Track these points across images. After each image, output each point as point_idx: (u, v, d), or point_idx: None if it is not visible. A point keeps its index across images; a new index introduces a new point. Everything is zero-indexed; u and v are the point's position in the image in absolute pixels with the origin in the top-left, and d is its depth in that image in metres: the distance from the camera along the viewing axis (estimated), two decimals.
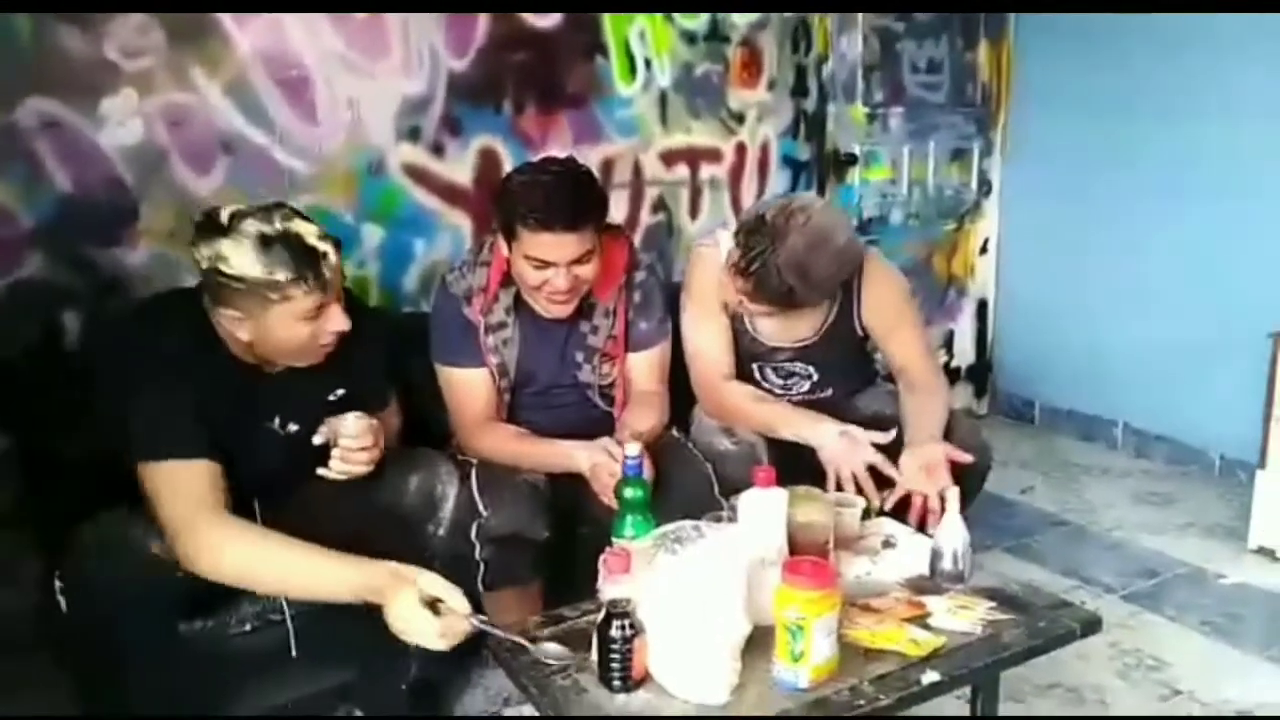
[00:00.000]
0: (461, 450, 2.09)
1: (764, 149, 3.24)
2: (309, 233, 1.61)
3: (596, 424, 2.11)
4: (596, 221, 1.98)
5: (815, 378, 2.31)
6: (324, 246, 1.62)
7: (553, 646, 1.45)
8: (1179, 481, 3.32)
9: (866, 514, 1.89)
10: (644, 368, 2.20)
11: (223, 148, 2.32)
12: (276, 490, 1.68)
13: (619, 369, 2.19)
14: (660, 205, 3.06)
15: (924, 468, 2.00)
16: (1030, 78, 3.74)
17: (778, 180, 3.28)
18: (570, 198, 1.93)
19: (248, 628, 1.77)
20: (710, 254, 2.22)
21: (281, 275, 1.57)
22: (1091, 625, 1.61)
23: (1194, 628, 2.40)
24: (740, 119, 3.17)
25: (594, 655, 1.41)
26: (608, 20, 2.84)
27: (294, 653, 1.78)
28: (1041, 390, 3.89)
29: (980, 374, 4.04)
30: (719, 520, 1.60)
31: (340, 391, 1.83)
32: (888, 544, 1.82)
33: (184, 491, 1.56)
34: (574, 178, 1.98)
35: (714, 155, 3.14)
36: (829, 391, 2.33)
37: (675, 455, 2.07)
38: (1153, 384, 3.46)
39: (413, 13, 2.52)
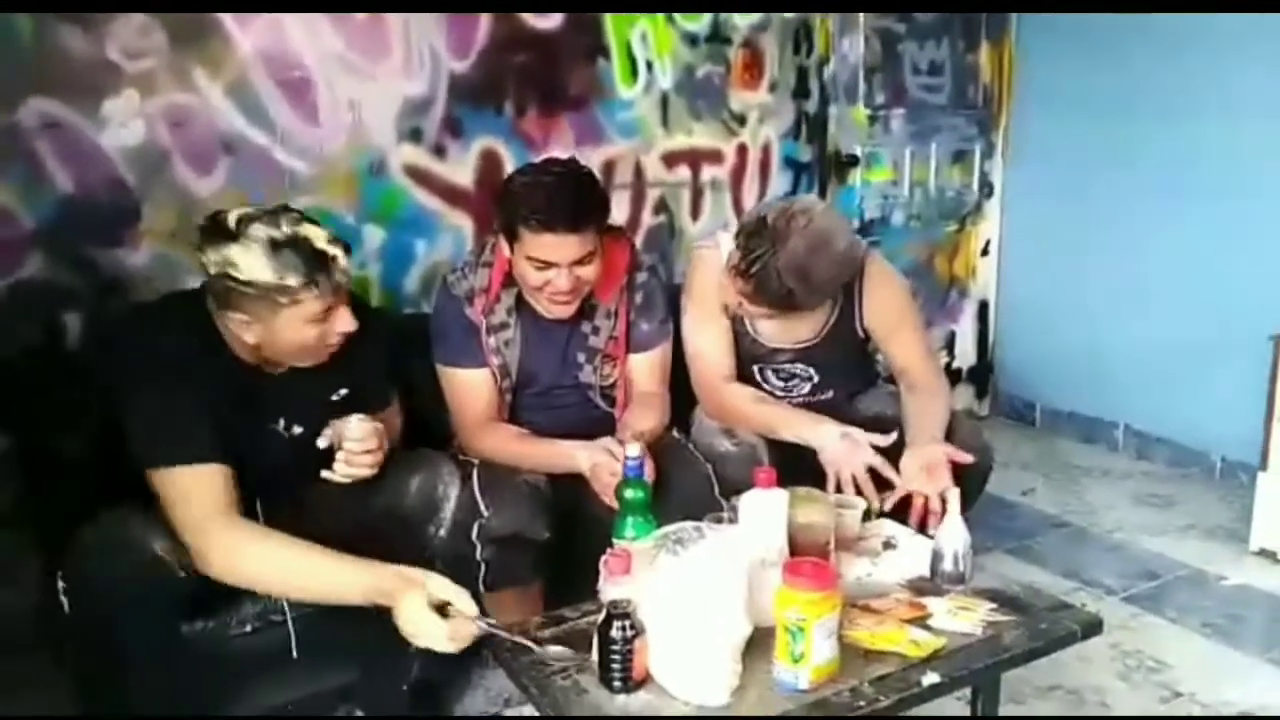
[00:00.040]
0: (463, 451, 2.09)
1: (765, 150, 3.24)
2: (318, 236, 1.61)
3: (597, 425, 2.11)
4: (598, 222, 1.98)
5: (816, 380, 2.31)
6: (334, 250, 1.62)
7: (558, 649, 1.45)
8: (1180, 483, 3.32)
9: (867, 515, 1.89)
10: (645, 369, 2.21)
11: (224, 149, 2.32)
12: (280, 491, 1.68)
13: (620, 370, 2.19)
14: (662, 207, 3.06)
15: (925, 469, 2.00)
16: (1032, 79, 3.74)
17: (779, 182, 3.28)
18: (572, 199, 1.93)
19: (248, 629, 1.77)
20: (711, 255, 2.22)
21: (293, 280, 1.57)
22: (1092, 627, 1.60)
23: (1195, 629, 2.40)
24: (742, 120, 3.17)
25: (594, 656, 1.41)
26: (609, 22, 2.84)
27: (295, 654, 1.78)
28: (1042, 392, 3.89)
29: (981, 375, 4.04)
30: (720, 521, 1.59)
31: (343, 391, 1.83)
32: (888, 545, 1.82)
33: (196, 496, 1.56)
34: (576, 179, 1.98)
35: (715, 157, 3.14)
36: (830, 393, 2.33)
37: (676, 456, 2.07)
38: (1154, 386, 3.46)
39: (414, 13, 2.52)
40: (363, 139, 2.51)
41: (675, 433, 2.23)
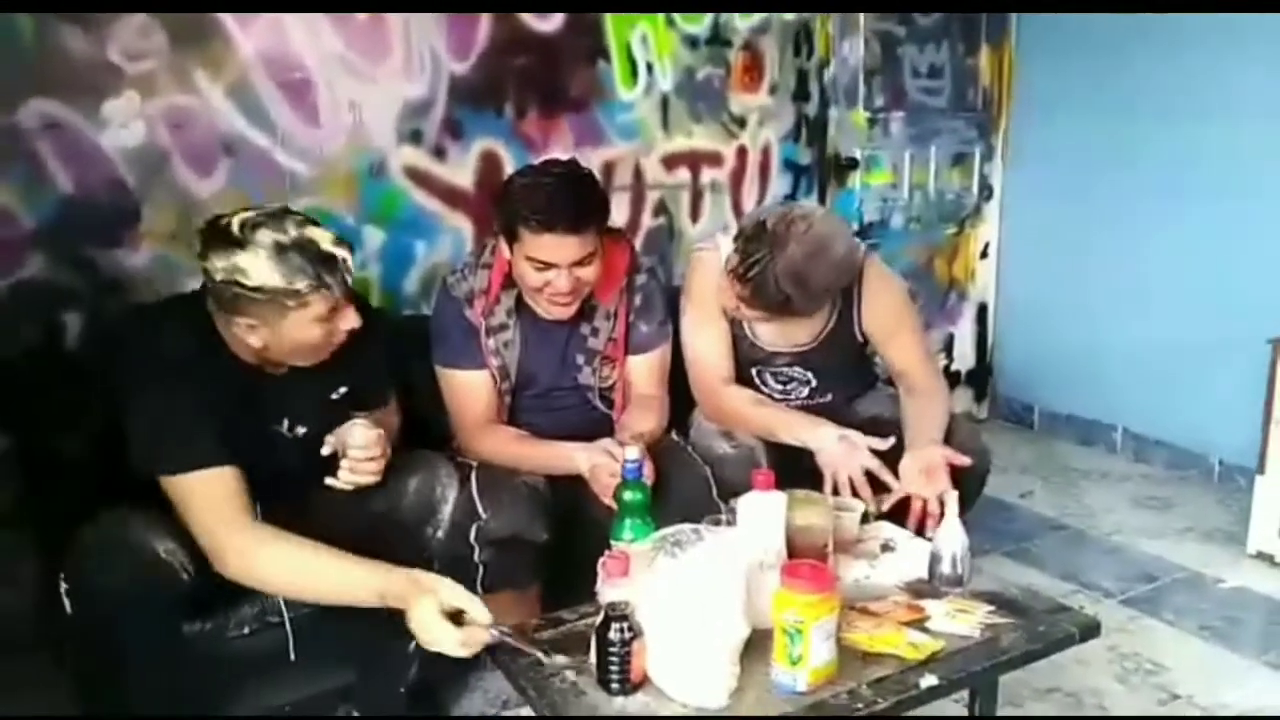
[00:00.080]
0: (461, 452, 2.09)
1: (765, 153, 3.24)
2: (324, 238, 1.61)
3: (596, 426, 2.12)
4: (598, 224, 1.98)
5: (814, 383, 2.32)
6: (340, 252, 1.62)
7: (565, 659, 1.44)
8: (1178, 486, 3.32)
9: (865, 518, 1.89)
10: (644, 371, 2.21)
11: (224, 150, 2.33)
12: (284, 493, 1.68)
13: (619, 372, 2.19)
14: (661, 209, 3.06)
15: (923, 471, 2.00)
16: (1031, 83, 3.74)
17: (779, 184, 3.28)
18: (572, 200, 1.93)
19: (246, 630, 1.77)
20: (710, 258, 2.23)
21: (302, 284, 1.58)
22: (1090, 629, 1.61)
23: (1193, 632, 2.40)
24: (741, 123, 3.18)
25: (592, 658, 1.41)
26: (609, 24, 2.85)
27: (293, 655, 1.78)
28: (1041, 394, 3.90)
29: (980, 378, 4.04)
30: (718, 523, 1.60)
31: (342, 389, 1.84)
32: (886, 548, 1.83)
33: (208, 501, 1.57)
34: (576, 180, 1.99)
35: (715, 159, 3.15)
36: (828, 397, 2.33)
37: (674, 458, 2.08)
38: (1152, 388, 3.46)
39: (414, 14, 2.52)
40: (363, 140, 2.51)
41: (674, 435, 2.23)
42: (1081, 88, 3.53)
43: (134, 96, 2.19)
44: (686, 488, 2.01)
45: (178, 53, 2.23)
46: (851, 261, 2.14)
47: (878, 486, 2.01)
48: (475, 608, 1.46)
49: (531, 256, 1.94)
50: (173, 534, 1.57)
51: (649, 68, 2.94)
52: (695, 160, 3.10)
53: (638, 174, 2.98)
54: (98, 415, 1.71)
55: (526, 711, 1.59)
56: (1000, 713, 1.70)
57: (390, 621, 1.71)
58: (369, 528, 1.70)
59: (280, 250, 1.56)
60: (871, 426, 2.11)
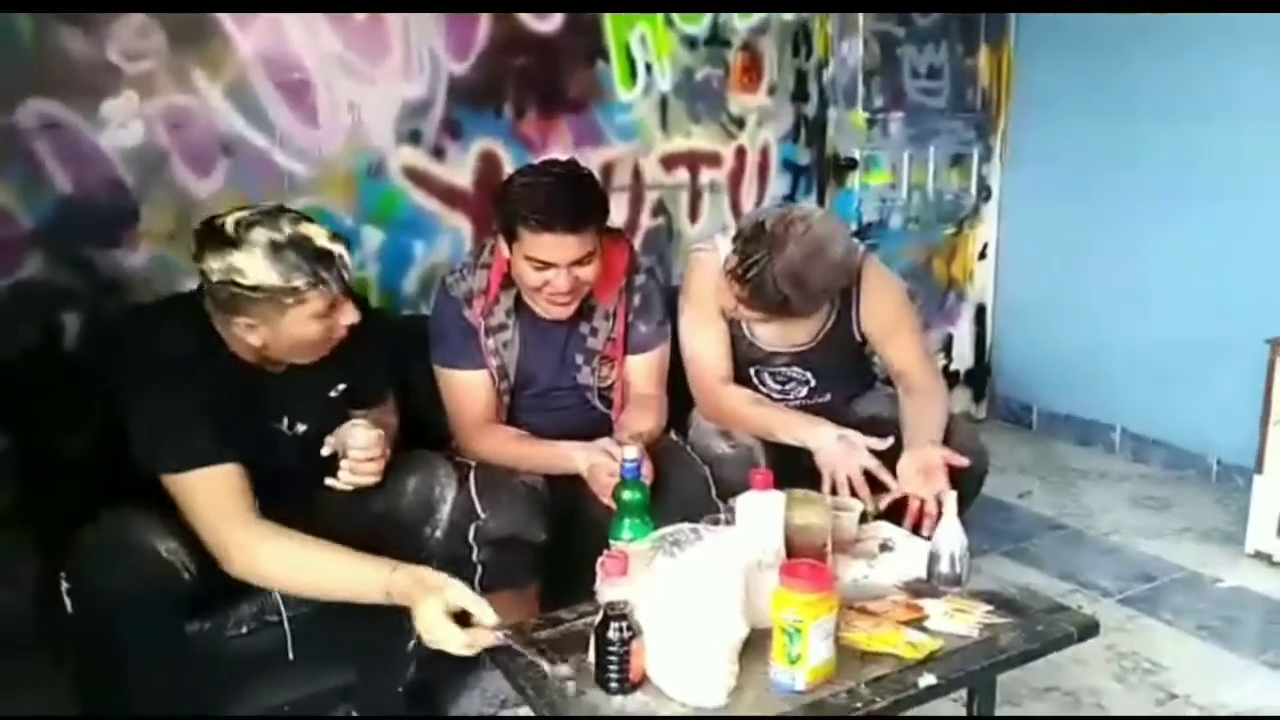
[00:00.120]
0: (460, 452, 2.09)
1: (764, 153, 3.25)
2: (319, 235, 1.61)
3: (595, 426, 2.12)
4: (597, 223, 1.99)
5: (813, 383, 2.32)
6: (336, 248, 1.62)
7: (568, 669, 1.43)
8: (1176, 486, 3.33)
9: (864, 517, 1.90)
10: (643, 370, 2.21)
11: (223, 150, 2.33)
12: (284, 491, 1.68)
13: (618, 371, 2.19)
14: (660, 209, 3.07)
15: (921, 471, 2.00)
16: (1030, 83, 3.75)
17: (778, 185, 3.29)
18: (571, 199, 1.94)
19: (245, 629, 1.77)
20: (708, 258, 2.23)
21: (299, 281, 1.58)
22: (1088, 629, 1.61)
23: (1191, 632, 2.40)
24: (740, 123, 3.18)
25: (591, 657, 1.41)
26: (609, 24, 2.85)
27: (291, 655, 1.78)
28: (1039, 395, 3.90)
29: (979, 378, 4.04)
30: (717, 523, 1.60)
31: (341, 386, 1.84)
32: (885, 547, 1.83)
33: (211, 499, 1.57)
34: (575, 179, 1.99)
35: (714, 159, 3.15)
36: (827, 397, 2.33)
37: (673, 458, 2.08)
38: (1150, 388, 3.46)
39: (413, 14, 2.52)
40: (362, 141, 2.52)
41: (673, 435, 2.23)
42: (1080, 88, 3.53)
43: (133, 96, 2.19)
44: (685, 487, 2.01)
45: (176, 53, 2.23)
46: (849, 263, 2.14)
47: (876, 486, 2.02)
48: (481, 609, 1.46)
49: (531, 256, 1.94)
50: (174, 534, 1.57)
51: (648, 68, 2.94)
52: (694, 160, 3.10)
53: (636, 174, 2.99)
54: (97, 415, 1.71)
55: (525, 711, 1.60)
56: (998, 712, 1.70)
57: (389, 621, 1.72)
58: (368, 527, 1.70)
59: (276, 248, 1.56)
60: (870, 426, 2.11)
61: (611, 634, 1.37)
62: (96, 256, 2.21)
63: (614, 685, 1.39)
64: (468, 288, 2.10)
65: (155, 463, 1.58)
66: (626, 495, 1.64)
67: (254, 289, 1.56)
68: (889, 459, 2.04)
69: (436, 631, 1.44)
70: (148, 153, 2.23)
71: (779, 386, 2.33)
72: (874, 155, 3.53)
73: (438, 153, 2.63)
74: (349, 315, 1.68)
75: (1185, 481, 3.35)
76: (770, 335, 2.26)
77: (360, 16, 2.46)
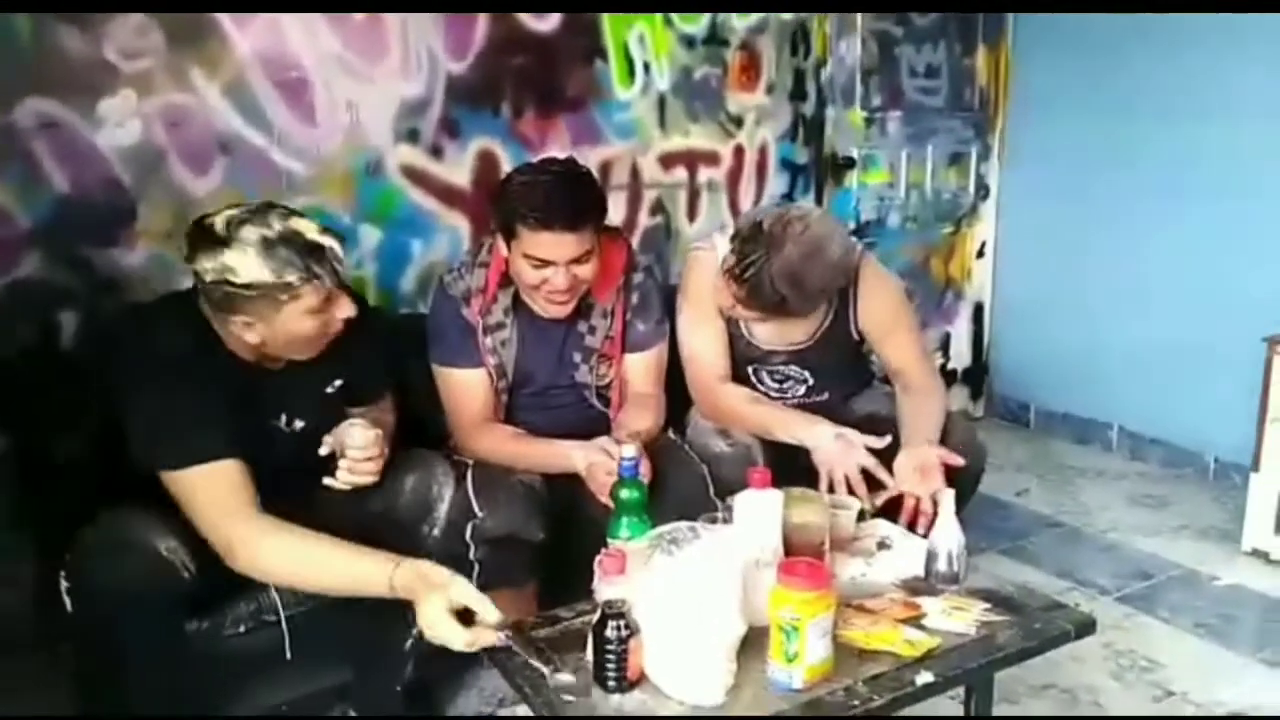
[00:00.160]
0: (458, 451, 2.09)
1: (762, 152, 3.25)
2: (309, 229, 1.61)
3: (593, 424, 2.12)
4: (596, 221, 1.99)
5: (811, 382, 2.32)
6: (327, 241, 1.62)
7: (569, 679, 1.42)
8: (1173, 484, 3.33)
9: (862, 516, 1.90)
10: (640, 369, 2.21)
11: (221, 149, 2.32)
12: (283, 488, 1.68)
13: (616, 370, 2.20)
14: (658, 208, 3.07)
15: (917, 469, 2.00)
16: (1028, 82, 3.75)
17: (776, 183, 3.29)
18: (570, 197, 1.94)
19: (242, 629, 1.77)
20: (707, 257, 2.23)
21: (292, 277, 1.58)
22: (1086, 627, 1.61)
23: (1188, 629, 2.41)
24: (739, 122, 3.18)
25: (589, 656, 1.41)
26: (607, 24, 2.85)
27: (288, 654, 1.78)
28: (1037, 393, 3.90)
29: (976, 377, 4.05)
30: (715, 521, 1.60)
31: (338, 382, 1.84)
32: (883, 545, 1.83)
33: (212, 495, 1.57)
34: (574, 178, 1.99)
35: (712, 158, 3.15)
36: (825, 395, 2.33)
37: (671, 457, 2.08)
38: (1148, 387, 3.47)
39: (412, 14, 2.52)
40: (360, 139, 2.52)
41: (670, 433, 2.23)
42: (1078, 87, 3.53)
43: (130, 95, 2.19)
44: (683, 486, 2.01)
45: (174, 51, 2.23)
46: (847, 263, 2.14)
47: (874, 484, 2.02)
48: (485, 607, 1.46)
49: (529, 254, 1.95)
50: (174, 532, 1.57)
51: (646, 67, 2.94)
52: (692, 159, 3.10)
53: (635, 173, 2.99)
54: (95, 414, 1.71)
55: (523, 710, 1.60)
56: (996, 710, 1.70)
57: (387, 619, 1.72)
58: (365, 526, 1.70)
59: (267, 245, 1.56)
60: (868, 424, 2.12)
61: (609, 633, 1.37)
62: (94, 255, 2.20)
63: (612, 684, 1.39)
64: (466, 286, 2.10)
65: (154, 460, 1.58)
66: (624, 494, 1.65)
67: (248, 287, 1.56)
68: (886, 457, 2.04)
69: (439, 628, 1.44)
70: (145, 151, 2.23)
71: (777, 385, 2.33)
72: (872, 154, 3.53)
73: (436, 151, 2.63)
74: (345, 309, 1.69)
75: (1182, 479, 3.36)
76: (768, 334, 2.26)
77: (359, 16, 2.46)
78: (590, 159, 2.74)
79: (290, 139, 2.41)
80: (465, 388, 2.11)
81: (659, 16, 2.94)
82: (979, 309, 3.99)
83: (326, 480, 1.75)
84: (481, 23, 2.65)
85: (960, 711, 1.76)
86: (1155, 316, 3.40)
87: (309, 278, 1.59)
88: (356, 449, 1.74)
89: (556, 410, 2.17)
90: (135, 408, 1.60)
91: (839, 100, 3.39)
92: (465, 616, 1.45)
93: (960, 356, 3.99)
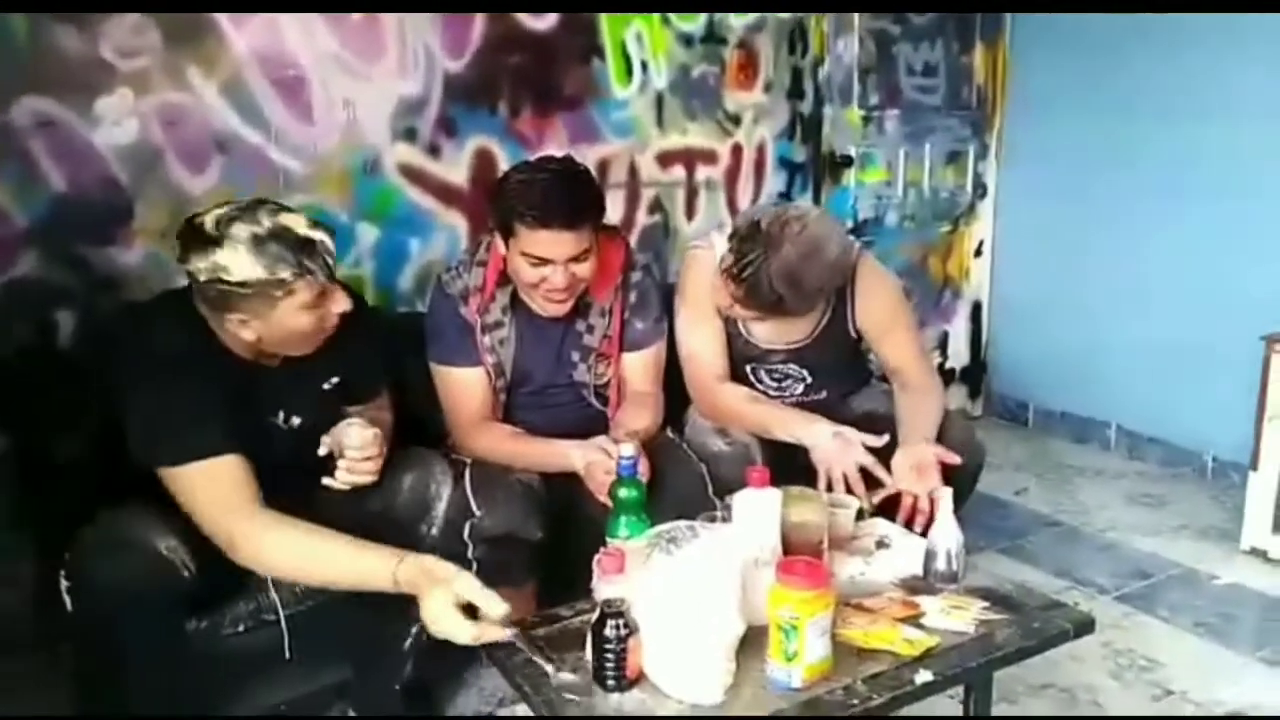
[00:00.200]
0: (456, 450, 2.09)
1: (760, 151, 3.25)
2: (299, 223, 1.61)
3: (592, 424, 2.12)
4: (594, 220, 1.98)
5: (809, 380, 2.32)
6: (318, 235, 1.62)
7: (572, 678, 1.42)
8: (1172, 483, 3.33)
9: (860, 514, 1.90)
10: (639, 368, 2.21)
11: (218, 147, 2.32)
12: (281, 485, 1.68)
13: (614, 369, 2.19)
14: (656, 206, 3.07)
15: (914, 468, 2.00)
16: (1025, 81, 3.75)
17: (774, 182, 3.29)
18: (568, 195, 1.93)
19: (241, 628, 1.77)
20: (704, 256, 2.23)
21: (285, 272, 1.57)
22: (1085, 626, 1.61)
23: (1187, 628, 2.41)
24: (736, 121, 3.18)
25: (588, 655, 1.41)
26: (604, 22, 2.85)
27: (288, 653, 1.78)
28: (1035, 392, 3.90)
29: (974, 376, 4.05)
30: (713, 520, 1.59)
31: (334, 379, 1.84)
32: (882, 544, 1.83)
33: (213, 491, 1.57)
34: (572, 176, 1.99)
35: (710, 157, 3.15)
36: (823, 393, 2.33)
37: (669, 456, 2.08)
38: (1146, 386, 3.47)
39: (409, 13, 2.52)
40: (357, 138, 2.51)
41: (669, 432, 2.23)
42: (1076, 86, 3.53)
43: (127, 94, 2.19)
44: (682, 485, 2.01)
45: (171, 50, 2.23)
46: (845, 262, 2.14)
47: (872, 482, 2.02)
48: (490, 602, 1.45)
49: (527, 252, 1.94)
50: (174, 531, 1.57)
51: (644, 66, 2.94)
52: (690, 158, 3.10)
53: (633, 171, 2.98)
54: (94, 414, 1.71)
55: (523, 709, 1.59)
56: (995, 709, 1.70)
57: (386, 618, 1.72)
58: (363, 525, 1.69)
59: (258, 242, 1.56)
60: (866, 422, 2.11)
61: (608, 632, 1.37)
62: (91, 254, 2.20)
63: (611, 683, 1.39)
64: (464, 285, 2.09)
65: (153, 458, 1.58)
66: (623, 493, 1.64)
67: (242, 285, 1.56)
68: (884, 456, 2.04)
69: (444, 622, 1.44)
70: (142, 150, 2.23)
71: (775, 384, 2.33)
72: (870, 152, 3.53)
73: (433, 150, 2.63)
74: (340, 303, 1.68)
75: (1181, 478, 3.36)
76: (766, 333, 2.26)
77: (356, 15, 2.45)
78: (588, 157, 2.74)
79: (287, 137, 2.41)
80: (463, 386, 2.11)
81: (656, 15, 2.94)
82: (977, 308, 4.00)
83: (325, 481, 1.75)
84: (479, 21, 2.64)
85: (959, 711, 1.76)
86: (1154, 315, 3.40)
87: (302, 272, 1.59)
88: (354, 449, 1.74)
89: (555, 409, 2.17)
90: (133, 406, 1.60)
91: (837, 99, 3.39)
92: (469, 612, 1.45)
93: (958, 355, 3.99)
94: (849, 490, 1.99)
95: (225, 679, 1.83)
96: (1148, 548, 2.85)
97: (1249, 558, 2.77)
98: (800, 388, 2.33)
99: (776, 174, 3.29)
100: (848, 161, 3.45)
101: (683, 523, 1.51)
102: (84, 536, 1.58)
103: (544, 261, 1.94)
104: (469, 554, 1.90)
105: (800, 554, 1.55)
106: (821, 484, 2.02)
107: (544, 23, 2.75)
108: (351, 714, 1.98)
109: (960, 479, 2.02)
